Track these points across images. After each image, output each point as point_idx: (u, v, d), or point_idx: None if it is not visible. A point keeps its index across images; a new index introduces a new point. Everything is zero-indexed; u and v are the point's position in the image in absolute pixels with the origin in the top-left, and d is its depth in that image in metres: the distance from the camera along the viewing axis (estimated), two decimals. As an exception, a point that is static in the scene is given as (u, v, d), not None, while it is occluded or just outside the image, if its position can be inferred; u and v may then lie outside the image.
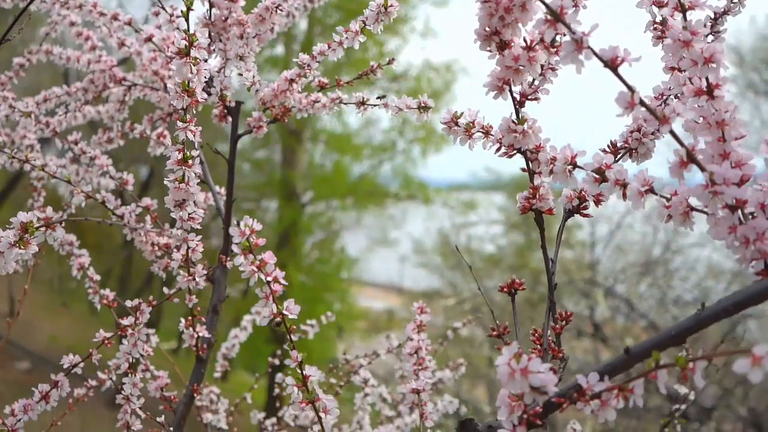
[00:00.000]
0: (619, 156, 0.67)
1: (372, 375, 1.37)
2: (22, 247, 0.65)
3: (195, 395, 0.96)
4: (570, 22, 0.49)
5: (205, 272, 0.88)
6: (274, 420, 1.31)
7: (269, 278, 0.60)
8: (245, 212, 11.35)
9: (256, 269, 0.59)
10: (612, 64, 0.49)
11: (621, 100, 0.49)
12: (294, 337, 0.63)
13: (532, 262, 8.92)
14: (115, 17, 1.07)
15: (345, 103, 0.93)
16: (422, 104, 0.82)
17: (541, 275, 7.73)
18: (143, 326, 0.89)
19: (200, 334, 0.95)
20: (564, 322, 0.61)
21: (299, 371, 0.63)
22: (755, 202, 0.51)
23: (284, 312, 0.61)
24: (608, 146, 0.67)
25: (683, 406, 1.06)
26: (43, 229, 0.64)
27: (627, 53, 0.49)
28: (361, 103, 0.91)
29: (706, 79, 0.52)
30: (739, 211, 0.51)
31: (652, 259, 7.03)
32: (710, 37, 0.70)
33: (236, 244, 0.59)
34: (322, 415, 0.62)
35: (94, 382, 1.08)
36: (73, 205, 0.99)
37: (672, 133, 0.49)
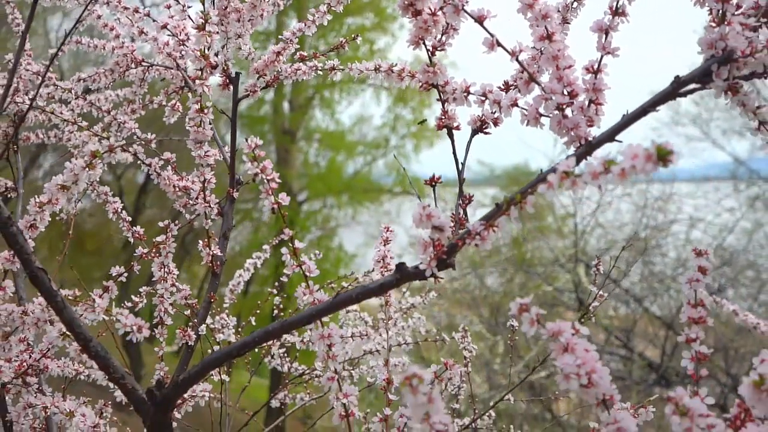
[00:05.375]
0: (511, 90, 0.94)
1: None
2: (91, 169, 0.93)
3: (212, 301, 1.24)
4: (452, -7, 0.77)
5: (217, 201, 1.16)
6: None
7: (268, 178, 0.87)
8: (243, 212, 11.63)
9: (259, 171, 0.87)
10: (480, 20, 0.77)
11: (485, 42, 0.77)
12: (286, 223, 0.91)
13: (527, 252, 9.23)
14: (136, 10, 1.34)
15: (321, 70, 1.21)
16: (377, 66, 1.10)
17: (536, 265, 8.04)
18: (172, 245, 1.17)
19: (215, 253, 1.22)
20: (468, 201, 0.89)
21: (291, 245, 0.90)
22: (578, 106, 0.79)
23: (279, 200, 0.88)
24: (503, 83, 0.94)
25: (596, 303, 1.34)
26: (107, 153, 0.92)
27: (489, 13, 0.77)
28: (332, 69, 1.19)
29: (546, 28, 0.79)
30: (570, 111, 0.79)
31: (636, 237, 7.33)
32: (575, 4, 0.97)
33: (245, 154, 0.87)
34: (307, 273, 0.90)
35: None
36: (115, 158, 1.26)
37: (519, 62, 0.77)
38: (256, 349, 1.60)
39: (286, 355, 1.67)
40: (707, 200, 8.13)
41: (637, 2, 0.90)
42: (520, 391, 6.65)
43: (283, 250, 0.90)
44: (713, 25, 0.71)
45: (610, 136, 0.73)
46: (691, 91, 0.72)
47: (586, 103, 0.78)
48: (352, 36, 1.22)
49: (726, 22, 0.70)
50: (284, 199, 0.88)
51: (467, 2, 0.78)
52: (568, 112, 0.78)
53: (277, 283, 1.68)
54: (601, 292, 1.33)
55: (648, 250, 6.69)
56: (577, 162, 0.75)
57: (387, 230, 1.21)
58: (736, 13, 0.72)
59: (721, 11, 0.70)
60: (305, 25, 1.16)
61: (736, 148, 8.79)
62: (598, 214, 7.51)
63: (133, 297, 1.38)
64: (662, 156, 0.54)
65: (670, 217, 7.20)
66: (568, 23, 0.95)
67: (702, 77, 0.70)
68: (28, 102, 1.42)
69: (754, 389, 0.53)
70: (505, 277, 8.22)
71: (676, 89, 0.71)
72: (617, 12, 0.78)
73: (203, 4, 0.97)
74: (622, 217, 7.95)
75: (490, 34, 0.77)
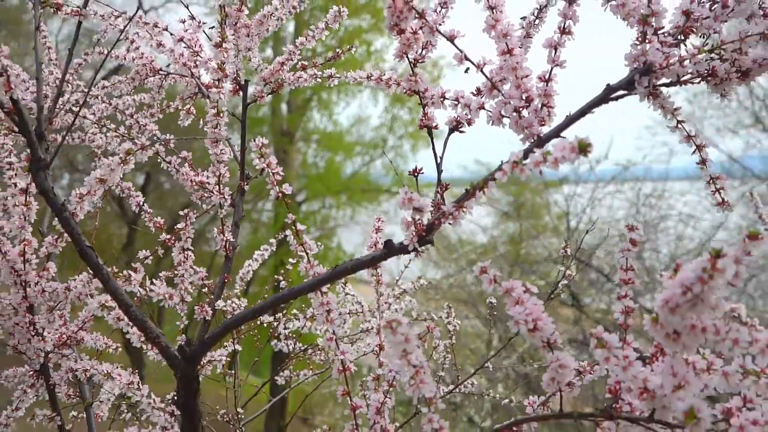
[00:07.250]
0: (481, 96, 1.11)
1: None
2: (125, 164, 1.09)
3: (225, 281, 1.40)
4: (426, 17, 0.94)
5: (230, 192, 1.33)
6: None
7: (274, 171, 1.04)
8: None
9: (266, 166, 1.04)
10: (451, 38, 0.94)
11: (455, 57, 0.94)
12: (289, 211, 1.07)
13: (523, 251, 9.40)
14: (155, 25, 1.51)
15: (320, 78, 1.37)
16: (369, 74, 1.26)
17: (533, 263, 8.21)
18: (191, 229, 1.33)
19: (228, 239, 1.39)
20: (445, 189, 1.05)
21: (294, 227, 1.07)
22: (533, 109, 0.96)
23: (283, 190, 1.05)
24: (475, 89, 1.11)
25: (563, 284, 1.50)
26: (139, 151, 1.09)
27: (458, 32, 0.93)
28: (331, 77, 1.36)
29: (506, 44, 0.96)
30: (525, 112, 0.96)
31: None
32: (537, 21, 1.14)
33: (254, 151, 1.03)
34: (308, 251, 1.07)
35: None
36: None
37: (483, 73, 0.94)
38: (264, 324, 1.76)
39: (291, 335, 1.84)
40: (700, 197, 8.32)
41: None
42: (515, 386, 6.81)
43: (287, 232, 1.06)
44: (637, 42, 0.87)
45: (556, 132, 0.90)
46: (621, 96, 0.89)
47: (540, 106, 0.94)
48: (348, 47, 1.38)
49: (647, 41, 0.86)
50: (287, 188, 1.04)
51: (442, 23, 0.95)
52: (524, 113, 0.95)
53: (282, 271, 1.84)
54: (569, 272, 1.49)
55: (640, 246, 6.86)
56: (526, 155, 0.92)
57: (379, 221, 1.38)
58: (659, 32, 0.89)
59: (642, 31, 0.87)
60: (306, 39, 1.33)
61: (729, 146, 8.97)
62: (592, 212, 7.68)
63: (154, 280, 1.55)
64: (582, 148, 0.71)
65: (662, 214, 7.39)
66: (531, 38, 1.12)
67: (627, 85, 0.87)
68: (64, 107, 1.59)
69: (652, 324, 0.70)
70: (502, 274, 8.36)
71: (607, 95, 0.88)
72: (564, 31, 0.95)
73: (219, 24, 1.14)
74: (615, 213, 8.14)
75: (459, 50, 0.94)
